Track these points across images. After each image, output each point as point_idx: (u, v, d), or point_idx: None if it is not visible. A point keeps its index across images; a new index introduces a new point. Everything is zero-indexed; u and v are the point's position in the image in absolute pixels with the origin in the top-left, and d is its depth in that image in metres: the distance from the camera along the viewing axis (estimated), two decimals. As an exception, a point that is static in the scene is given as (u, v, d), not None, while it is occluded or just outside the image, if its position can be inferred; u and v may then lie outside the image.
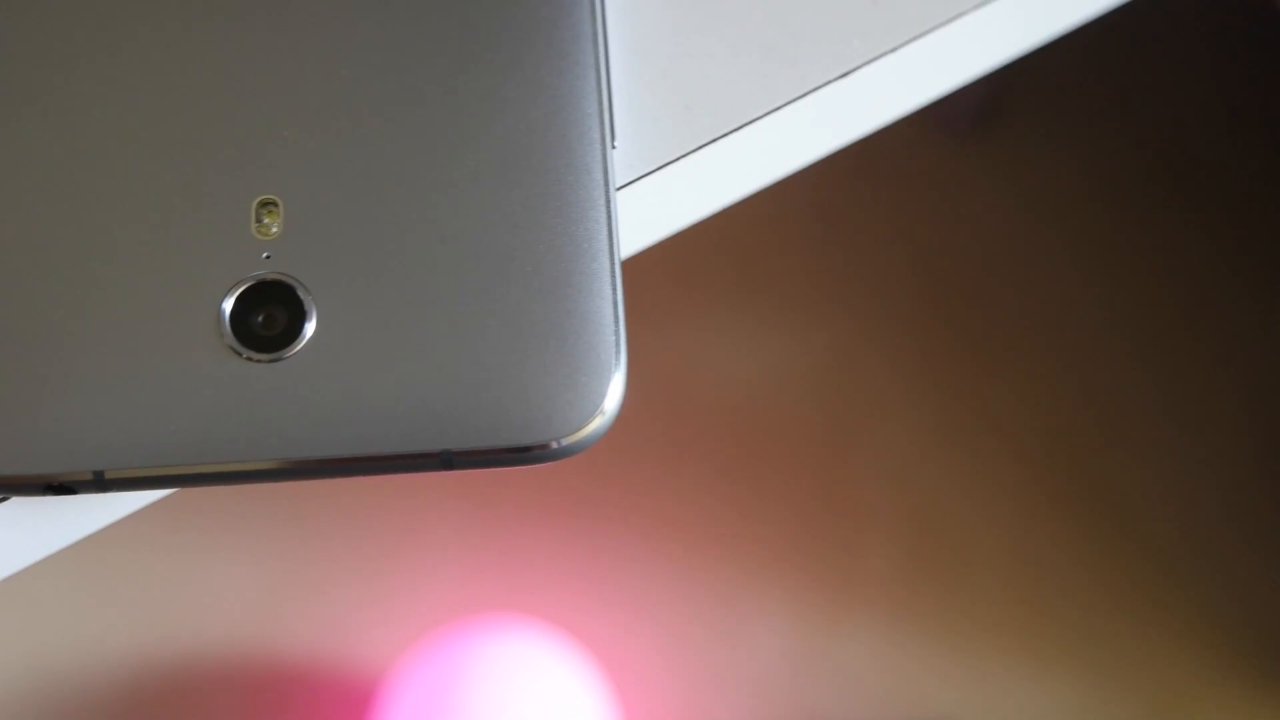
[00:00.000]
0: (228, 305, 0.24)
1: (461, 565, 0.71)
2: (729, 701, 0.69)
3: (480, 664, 0.61)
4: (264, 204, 0.25)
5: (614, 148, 0.26)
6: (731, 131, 0.26)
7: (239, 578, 0.69)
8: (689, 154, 0.26)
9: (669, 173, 0.26)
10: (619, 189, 0.26)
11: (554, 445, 0.24)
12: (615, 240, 0.25)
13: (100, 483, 0.24)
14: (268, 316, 0.24)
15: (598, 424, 0.24)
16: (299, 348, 0.24)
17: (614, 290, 0.25)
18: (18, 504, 0.25)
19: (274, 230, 0.25)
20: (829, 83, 0.27)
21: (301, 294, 0.24)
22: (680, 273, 0.73)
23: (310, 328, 0.24)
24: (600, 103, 0.26)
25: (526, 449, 0.24)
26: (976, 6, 0.27)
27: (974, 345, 0.76)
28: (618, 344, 0.25)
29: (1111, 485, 0.74)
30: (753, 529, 0.72)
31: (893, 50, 0.27)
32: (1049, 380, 0.76)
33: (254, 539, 0.70)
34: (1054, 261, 0.77)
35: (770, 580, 0.72)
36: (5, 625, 0.65)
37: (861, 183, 0.76)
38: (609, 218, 0.25)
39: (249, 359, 0.24)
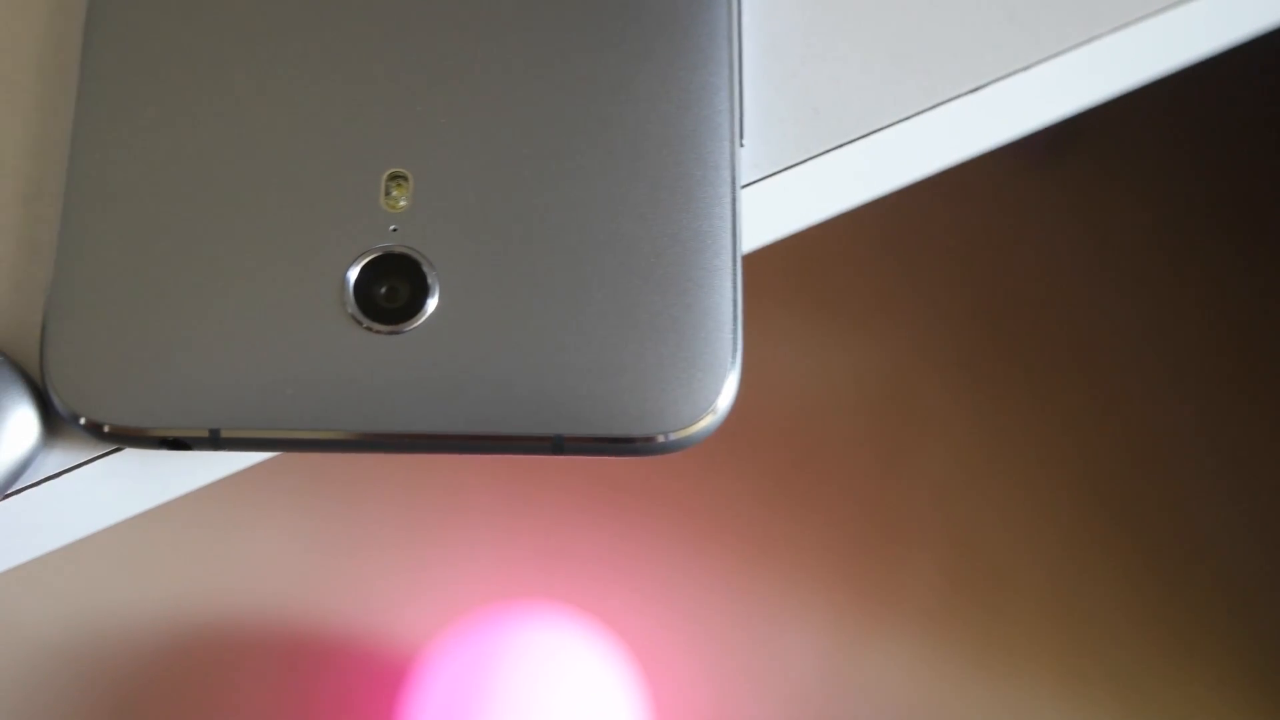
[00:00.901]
0: (352, 274, 0.24)
1: (502, 549, 0.71)
2: (759, 706, 0.69)
3: (515, 649, 0.62)
4: (394, 177, 0.25)
5: (741, 145, 0.26)
6: (858, 138, 0.26)
7: (281, 545, 0.69)
8: (813, 158, 0.26)
9: (792, 175, 0.26)
10: (743, 187, 0.26)
11: (664, 439, 0.24)
12: (738, 238, 0.25)
13: (215, 441, 0.24)
14: (390, 289, 0.24)
15: (708, 422, 0.24)
16: (419, 322, 0.24)
17: (734, 288, 0.25)
18: (130, 455, 0.25)
19: (402, 204, 0.25)
20: (958, 96, 0.27)
21: (425, 268, 0.24)
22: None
23: (432, 303, 0.24)
24: (732, 99, 0.25)
25: (637, 440, 0.24)
26: (1111, 30, 0.27)
27: (1028, 373, 0.75)
28: (735, 343, 0.24)
29: (1157, 524, 0.73)
30: (795, 537, 0.72)
31: (1024, 69, 0.27)
32: (1100, 414, 0.75)
33: (297, 508, 0.70)
34: (1113, 296, 0.77)
35: (809, 590, 0.71)
36: (54, 578, 0.66)
37: (928, 199, 0.76)
38: (734, 215, 0.25)
39: (369, 329, 0.24)
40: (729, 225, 0.25)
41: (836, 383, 0.74)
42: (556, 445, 0.24)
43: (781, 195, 0.26)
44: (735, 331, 0.25)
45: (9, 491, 0.24)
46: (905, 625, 0.71)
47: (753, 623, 0.70)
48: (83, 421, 0.24)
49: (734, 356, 0.24)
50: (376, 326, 0.24)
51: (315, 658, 0.68)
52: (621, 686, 0.61)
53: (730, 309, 0.25)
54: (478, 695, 0.60)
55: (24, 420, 0.24)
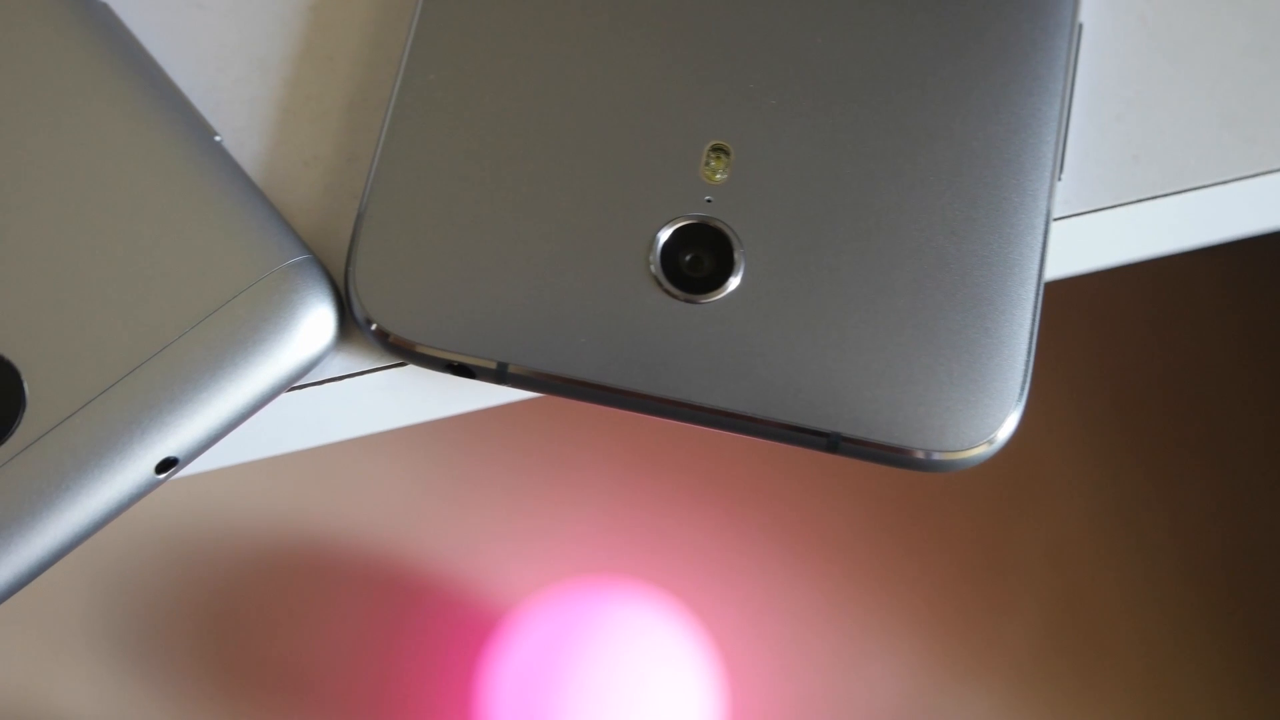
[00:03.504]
0: (663, 236, 0.24)
1: (606, 525, 0.71)
2: (840, 728, 0.68)
3: (602, 625, 0.62)
4: (716, 149, 0.25)
5: (1059, 179, 0.25)
6: (1173, 193, 0.26)
7: (397, 482, 0.70)
8: (1126, 204, 0.26)
9: (1100, 217, 0.26)
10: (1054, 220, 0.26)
11: (937, 457, 0.24)
12: (1043, 270, 0.25)
13: (500, 373, 0.24)
14: (695, 258, 0.24)
15: (983, 451, 0.24)
16: (719, 296, 0.24)
17: (1033, 321, 0.24)
18: (410, 372, 0.25)
19: (719, 176, 0.25)
20: (1283, 169, 0.26)
21: (734, 244, 0.24)
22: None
23: (734, 281, 0.24)
24: (1058, 132, 0.25)
25: (911, 453, 0.24)
26: None
27: (1155, 453, 0.74)
28: (1025, 378, 0.24)
29: (1261, 620, 0.71)
30: (899, 571, 0.71)
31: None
32: (1219, 506, 0.74)
33: (420, 449, 0.71)
34: (1255, 393, 0.75)
35: (904, 624, 0.71)
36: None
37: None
38: (1043, 247, 0.25)
39: (669, 293, 0.24)
40: (1037, 256, 0.25)
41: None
42: (832, 443, 0.24)
43: (1086, 236, 0.26)
44: (1028, 365, 0.24)
45: (293, 386, 0.25)
46: (993, 679, 0.70)
47: (842, 643, 0.70)
48: (375, 328, 0.24)
49: (1022, 391, 0.24)
50: (677, 293, 0.24)
51: (406, 596, 0.69)
52: (702, 679, 0.61)
53: (1026, 341, 0.24)
54: (559, 665, 0.60)
55: (321, 319, 0.24)
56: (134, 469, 0.23)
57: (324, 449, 0.72)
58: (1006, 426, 0.24)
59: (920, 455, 0.24)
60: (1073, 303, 0.76)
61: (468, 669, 0.68)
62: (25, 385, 0.23)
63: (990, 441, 0.24)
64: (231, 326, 0.24)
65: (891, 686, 0.69)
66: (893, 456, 0.24)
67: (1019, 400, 0.24)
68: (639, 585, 0.67)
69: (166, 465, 0.23)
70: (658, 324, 0.24)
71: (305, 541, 0.69)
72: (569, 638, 0.62)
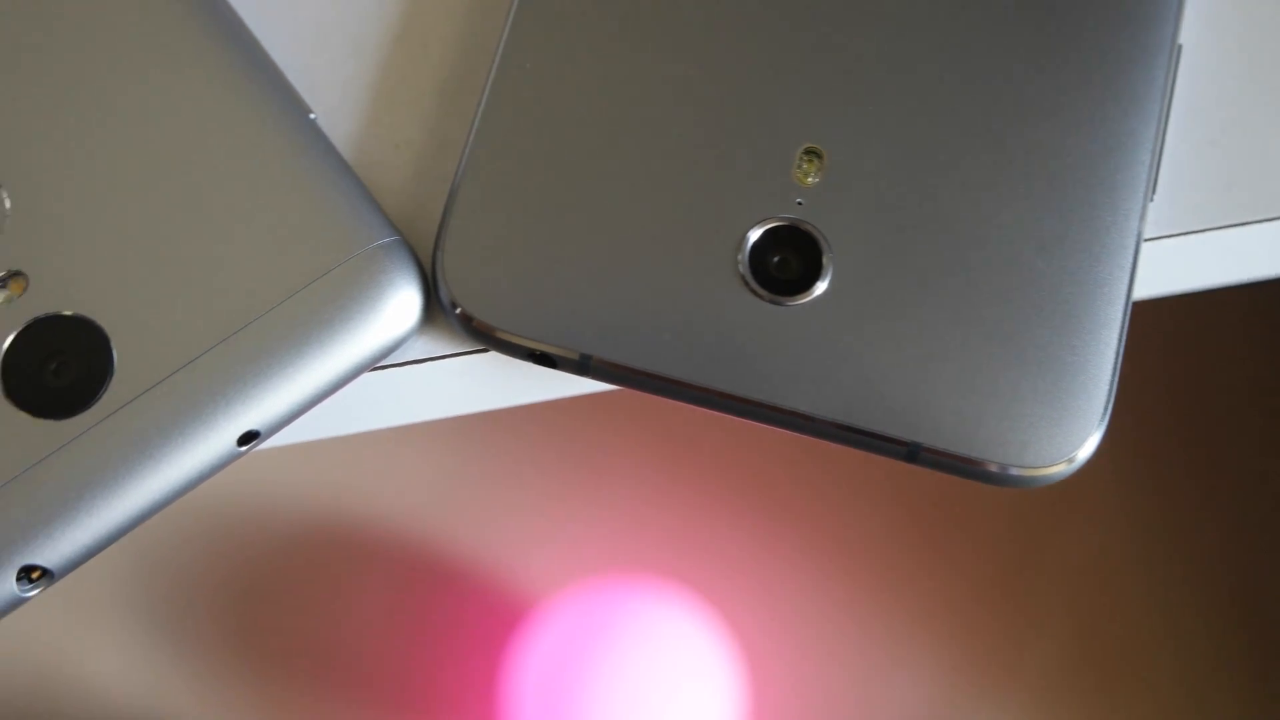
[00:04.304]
0: (752, 236, 0.24)
1: (638, 520, 0.71)
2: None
3: (629, 623, 0.62)
4: (809, 151, 0.25)
5: (1152, 199, 0.25)
6: (1265, 220, 0.26)
7: (432, 465, 0.70)
8: (1216, 229, 0.26)
9: (1189, 240, 0.26)
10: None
11: (1016, 472, 0.24)
12: (1132, 291, 0.24)
13: (582, 365, 0.24)
14: (783, 260, 0.24)
15: (1062, 469, 0.24)
16: (805, 300, 0.24)
17: (1120, 341, 0.24)
18: (491, 358, 0.25)
19: (810, 180, 0.25)
20: (1379, 203, 0.26)
21: (823, 248, 0.24)
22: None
23: (822, 285, 0.24)
24: (1154, 152, 0.25)
25: (991, 466, 0.24)
26: None
27: (1195, 485, 0.73)
28: (1109, 398, 0.24)
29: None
30: (926, 583, 0.71)
31: None
32: (1262, 544, 0.73)
33: (458, 433, 0.71)
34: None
35: (934, 631, 0.71)
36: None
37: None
38: (1133, 267, 0.25)
39: (755, 293, 0.24)
40: (1127, 276, 0.24)
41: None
42: (911, 453, 0.24)
43: (1174, 259, 0.26)
44: (1112, 385, 0.24)
45: (375, 366, 0.25)
46: (1022, 694, 0.70)
47: (870, 650, 0.70)
48: (459, 312, 0.24)
49: (1105, 411, 0.24)
50: (763, 293, 0.24)
51: (434, 582, 0.69)
52: (727, 680, 0.61)
53: (1112, 361, 0.24)
54: (584, 660, 0.60)
55: (407, 301, 0.24)
56: (217, 440, 0.23)
57: (361, 433, 0.73)
58: (1088, 446, 0.24)
59: (1000, 470, 0.24)
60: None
61: (492, 658, 0.68)
62: (114, 351, 0.23)
63: (1070, 460, 0.24)
64: (319, 304, 0.24)
65: (918, 694, 0.69)
66: (972, 469, 0.24)
67: (1102, 420, 0.24)
68: (667, 584, 0.67)
69: (248, 438, 0.24)
70: (742, 324, 0.24)
71: (338, 522, 0.69)
72: (595, 633, 0.62)
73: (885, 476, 0.71)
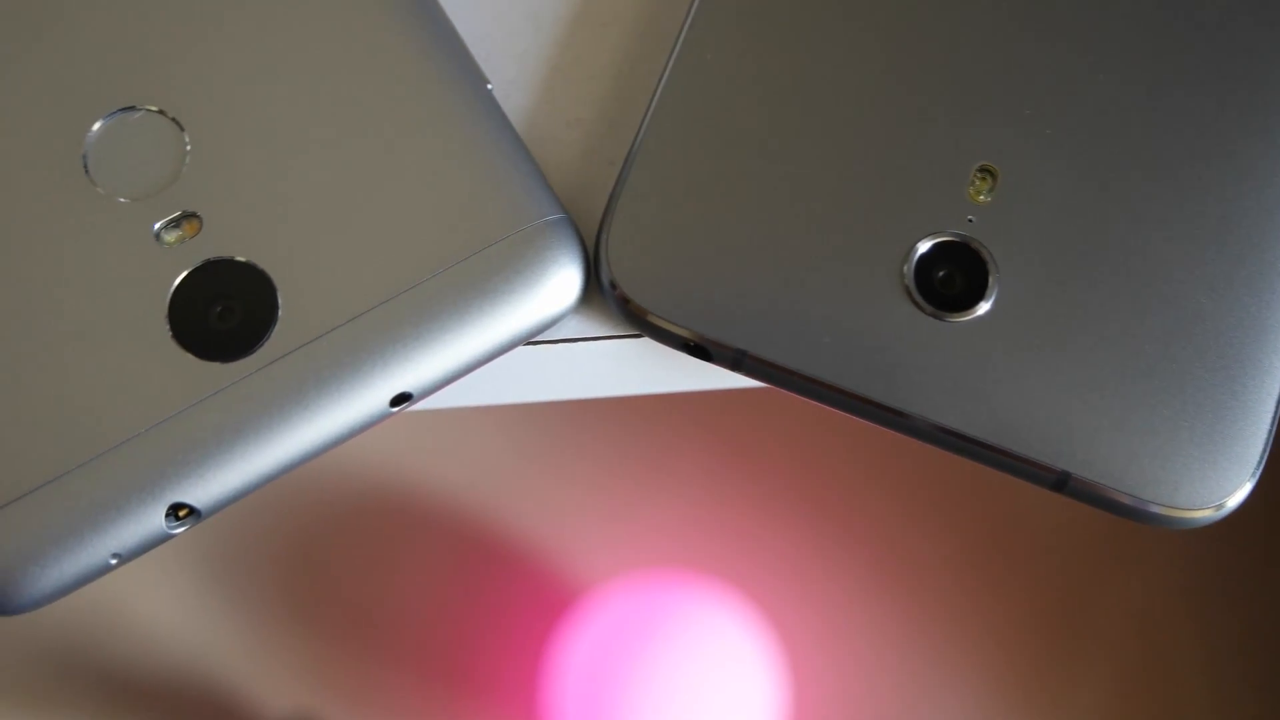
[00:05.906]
0: (921, 248, 0.24)
1: (694, 518, 0.71)
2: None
3: (679, 618, 0.62)
4: (983, 170, 0.25)
5: (1323, 251, 0.25)
6: None
7: (489, 440, 0.70)
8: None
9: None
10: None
11: (1161, 511, 0.24)
12: (1296, 342, 0.24)
13: (737, 360, 0.24)
14: (949, 275, 0.24)
15: (1209, 515, 0.24)
16: (968, 317, 0.24)
17: (1281, 392, 0.24)
18: (643, 344, 0.25)
19: (983, 198, 0.25)
20: None
21: (990, 267, 0.24)
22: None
23: (985, 305, 0.24)
24: (1330, 204, 0.25)
25: (1139, 503, 0.24)
26: None
27: (1263, 534, 0.72)
28: (1265, 448, 0.24)
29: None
30: (979, 613, 0.71)
31: None
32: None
33: (521, 420, 0.71)
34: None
35: (979, 663, 0.70)
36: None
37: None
38: (1300, 318, 0.24)
39: (917, 306, 0.24)
40: (1294, 326, 0.24)
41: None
42: (1060, 481, 0.24)
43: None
44: (1269, 435, 0.24)
45: (530, 340, 0.25)
46: (1060, 734, 0.69)
47: (918, 668, 0.69)
48: (619, 294, 0.24)
49: (1260, 461, 0.24)
50: (926, 306, 0.24)
51: (487, 559, 0.70)
52: (769, 685, 0.61)
53: (1273, 410, 0.24)
54: (628, 652, 0.60)
55: (569, 279, 0.24)
56: (371, 398, 0.23)
57: (426, 409, 0.73)
58: (1238, 495, 0.24)
59: (1147, 508, 0.23)
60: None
61: (537, 642, 0.69)
62: (280, 300, 0.24)
63: (1219, 506, 0.24)
64: (484, 273, 0.24)
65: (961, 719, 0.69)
66: (1119, 505, 0.24)
67: (1255, 470, 0.24)
68: (717, 583, 0.67)
69: (400, 399, 0.24)
70: (902, 335, 0.24)
71: (397, 492, 0.69)
72: (641, 626, 0.62)
73: (947, 501, 0.71)
